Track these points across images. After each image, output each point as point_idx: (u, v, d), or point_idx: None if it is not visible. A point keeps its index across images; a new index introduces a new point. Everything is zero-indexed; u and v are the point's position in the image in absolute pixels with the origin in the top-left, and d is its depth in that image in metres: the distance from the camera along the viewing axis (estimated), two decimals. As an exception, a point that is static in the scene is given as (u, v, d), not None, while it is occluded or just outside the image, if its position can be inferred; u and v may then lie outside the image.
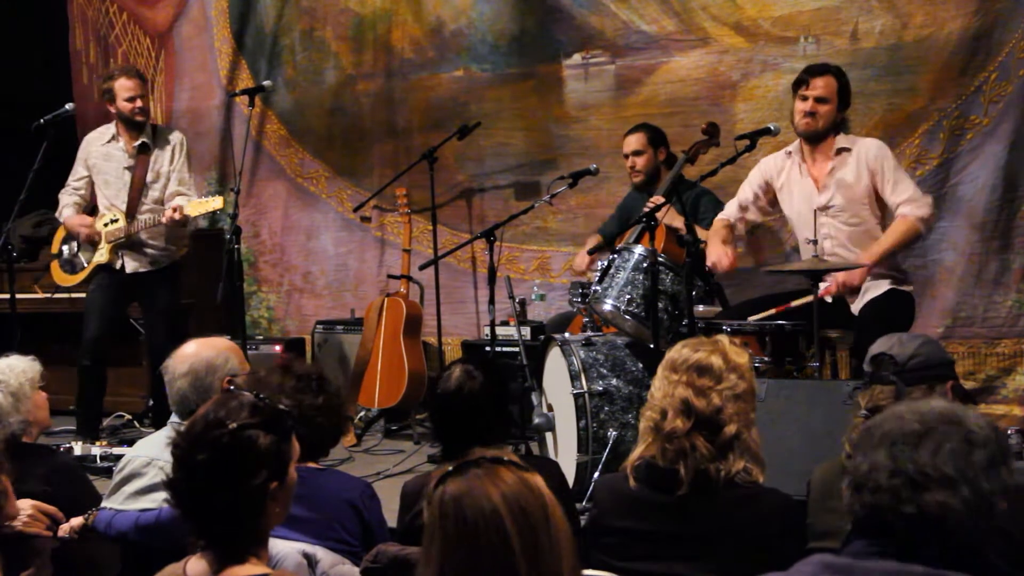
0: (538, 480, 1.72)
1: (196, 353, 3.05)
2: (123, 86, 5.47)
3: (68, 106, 5.41)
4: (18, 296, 5.32)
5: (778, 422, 3.43)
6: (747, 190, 4.71)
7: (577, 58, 5.94)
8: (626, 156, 5.27)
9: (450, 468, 1.73)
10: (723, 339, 2.54)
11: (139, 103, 5.48)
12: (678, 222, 4.72)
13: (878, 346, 2.68)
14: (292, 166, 6.90)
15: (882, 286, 4.37)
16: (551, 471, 2.96)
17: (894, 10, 5.13)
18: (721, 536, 2.31)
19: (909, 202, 4.32)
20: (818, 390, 3.61)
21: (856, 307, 4.38)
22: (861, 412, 2.59)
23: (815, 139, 4.46)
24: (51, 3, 7.51)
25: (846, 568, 1.61)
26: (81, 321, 5.50)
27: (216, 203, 5.27)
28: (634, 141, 5.25)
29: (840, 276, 4.27)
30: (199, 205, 5.27)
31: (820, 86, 4.40)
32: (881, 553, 1.59)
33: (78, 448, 4.90)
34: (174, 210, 5.25)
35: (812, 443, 3.31)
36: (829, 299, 4.25)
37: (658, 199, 4.51)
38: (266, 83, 5.97)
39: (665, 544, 2.34)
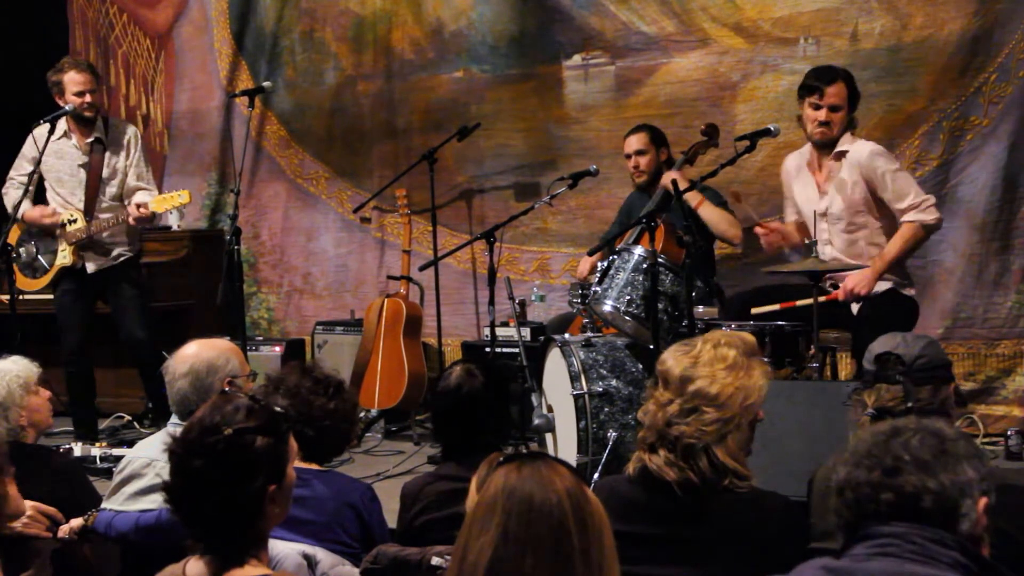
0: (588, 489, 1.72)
1: (197, 354, 3.04)
2: (72, 80, 5.26)
3: (67, 107, 5.39)
4: (23, 296, 5.32)
5: (778, 423, 3.42)
6: (788, 202, 4.71)
7: (577, 59, 5.94)
8: (628, 156, 5.25)
9: (502, 457, 1.73)
10: (710, 338, 2.43)
11: (88, 98, 5.28)
12: (694, 200, 4.77)
13: (881, 344, 2.66)
14: (292, 167, 6.90)
15: (882, 286, 4.37)
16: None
17: (894, 11, 5.13)
18: (721, 540, 2.30)
19: (913, 208, 4.30)
20: (818, 391, 3.61)
21: (855, 306, 4.38)
22: (868, 411, 2.57)
23: (828, 145, 4.43)
24: (51, 4, 7.50)
25: (846, 570, 1.61)
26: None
27: (183, 197, 5.12)
28: (636, 141, 5.23)
29: (849, 284, 4.26)
30: (164, 201, 5.13)
31: (833, 94, 4.35)
32: (880, 554, 1.59)
33: (78, 449, 4.89)
34: (139, 207, 5.13)
35: (812, 444, 3.31)
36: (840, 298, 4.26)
37: (671, 174, 4.71)
38: (266, 84, 5.95)
39: (665, 548, 2.33)
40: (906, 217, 4.31)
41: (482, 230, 5.02)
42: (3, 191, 5.55)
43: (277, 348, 6.21)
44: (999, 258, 4.98)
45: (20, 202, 5.21)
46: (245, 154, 5.84)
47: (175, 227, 6.79)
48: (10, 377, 3.16)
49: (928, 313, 5.03)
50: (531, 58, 6.07)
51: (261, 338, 6.56)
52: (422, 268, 5.49)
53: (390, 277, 6.18)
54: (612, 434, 4.15)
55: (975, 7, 4.94)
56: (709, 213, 4.90)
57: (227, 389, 2.91)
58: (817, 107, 4.37)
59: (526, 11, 6.05)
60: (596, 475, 3.99)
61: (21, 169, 5.44)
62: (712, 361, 2.37)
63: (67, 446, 4.89)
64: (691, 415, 2.32)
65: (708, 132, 5.07)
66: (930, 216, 4.32)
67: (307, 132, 6.83)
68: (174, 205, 5.19)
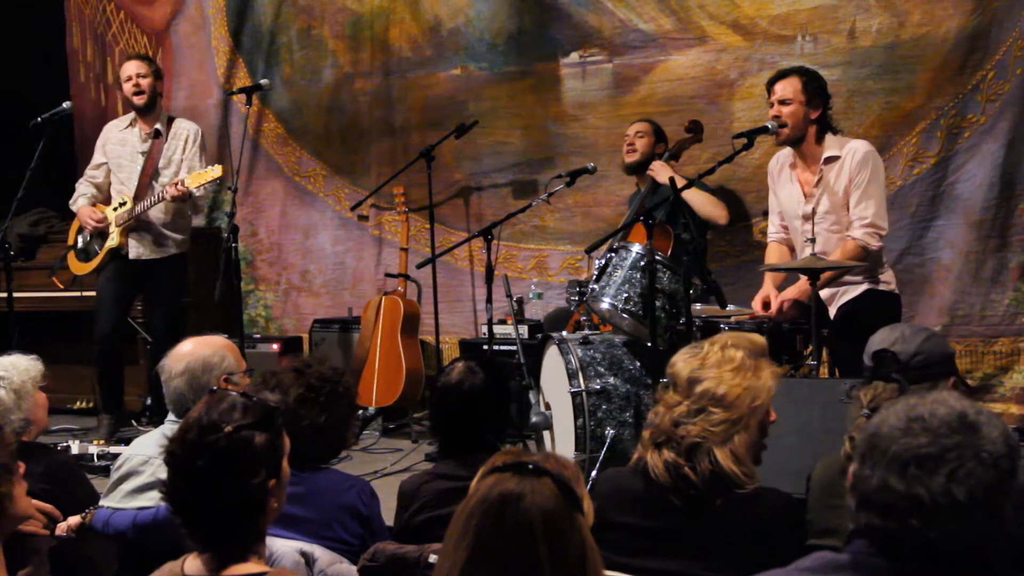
0: (580, 515, 1.70)
1: (192, 352, 3.03)
2: (123, 69, 5.64)
3: (65, 104, 5.39)
4: (22, 294, 5.33)
5: (776, 420, 3.43)
6: (772, 201, 4.72)
7: (575, 57, 5.94)
8: (626, 136, 5.37)
9: (500, 464, 1.71)
10: (717, 340, 2.45)
11: (135, 81, 5.53)
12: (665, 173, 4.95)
13: (880, 341, 2.64)
14: (290, 164, 6.89)
15: (857, 288, 4.36)
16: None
17: (892, 8, 5.13)
18: (722, 534, 2.31)
19: (865, 226, 4.26)
20: (816, 388, 3.61)
21: (832, 309, 4.36)
22: (863, 411, 2.57)
23: (795, 143, 4.44)
24: (48, 1, 7.49)
25: (846, 565, 1.61)
26: (80, 319, 5.49)
27: (216, 171, 5.26)
28: (640, 125, 5.39)
29: (788, 294, 4.28)
30: (198, 176, 5.28)
31: (781, 88, 4.39)
32: (882, 552, 1.59)
33: (75, 447, 4.89)
34: (175, 183, 5.27)
35: (810, 441, 3.31)
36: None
37: (661, 164, 4.97)
38: (263, 81, 5.94)
39: (666, 541, 2.33)
40: (853, 232, 4.28)
41: (480, 228, 5.02)
42: (78, 183, 5.78)
43: (275, 346, 6.21)
44: (996, 255, 4.98)
45: (78, 196, 5.63)
46: (243, 152, 5.81)
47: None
48: (22, 369, 3.17)
49: (926, 310, 5.04)
50: (529, 56, 6.07)
51: (259, 336, 6.55)
52: (420, 266, 5.49)
53: (388, 275, 6.18)
54: (610, 431, 4.16)
55: (973, 4, 4.94)
56: (693, 196, 4.92)
57: (224, 387, 2.89)
58: (771, 105, 4.43)
59: (524, 9, 6.05)
60: (594, 472, 4.00)
61: (92, 162, 5.77)
62: (719, 363, 2.40)
63: (64, 444, 4.89)
64: (698, 415, 2.35)
65: (692, 128, 5.24)
66: (873, 242, 4.28)
67: (305, 129, 6.82)
68: (208, 180, 5.31)
